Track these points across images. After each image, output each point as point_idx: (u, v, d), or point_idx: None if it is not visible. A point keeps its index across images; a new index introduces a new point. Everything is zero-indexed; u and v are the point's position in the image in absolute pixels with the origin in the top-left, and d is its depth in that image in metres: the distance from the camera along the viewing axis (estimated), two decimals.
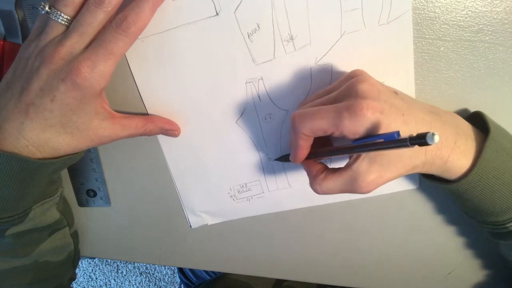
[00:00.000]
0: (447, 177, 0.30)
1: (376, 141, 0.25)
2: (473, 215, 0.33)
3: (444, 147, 0.28)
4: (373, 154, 0.28)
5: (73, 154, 0.31)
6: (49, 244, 0.35)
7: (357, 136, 0.26)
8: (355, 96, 0.26)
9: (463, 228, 0.38)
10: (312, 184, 0.31)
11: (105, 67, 0.27)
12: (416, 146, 0.21)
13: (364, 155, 0.28)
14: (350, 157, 0.30)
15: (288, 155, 0.34)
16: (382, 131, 0.25)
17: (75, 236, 0.40)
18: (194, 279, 0.71)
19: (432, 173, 0.30)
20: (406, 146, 0.22)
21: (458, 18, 0.31)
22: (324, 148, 0.32)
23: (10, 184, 0.28)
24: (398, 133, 0.24)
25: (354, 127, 0.26)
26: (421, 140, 0.21)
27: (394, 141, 0.23)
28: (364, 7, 0.30)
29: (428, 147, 0.28)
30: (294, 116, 0.28)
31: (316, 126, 0.27)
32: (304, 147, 0.30)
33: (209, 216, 0.41)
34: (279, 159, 0.37)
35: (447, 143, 0.28)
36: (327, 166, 0.32)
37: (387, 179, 0.28)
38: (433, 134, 0.20)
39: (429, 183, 0.33)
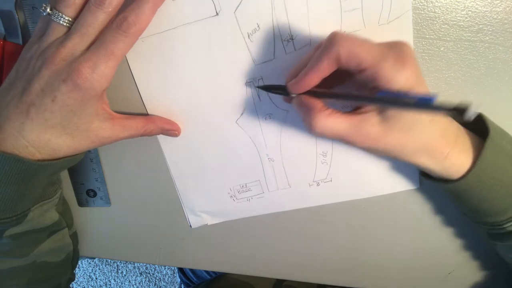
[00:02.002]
0: (446, 176, 0.30)
1: (407, 99, 0.23)
2: (471, 216, 0.33)
3: (446, 143, 0.28)
4: (391, 112, 0.26)
5: (73, 155, 0.31)
6: (48, 245, 0.35)
7: (388, 85, 0.25)
8: (401, 50, 0.25)
9: (463, 228, 0.38)
10: (312, 118, 0.27)
11: (106, 68, 0.27)
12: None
13: (379, 110, 0.26)
14: (359, 107, 0.28)
15: (279, 86, 0.31)
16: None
17: (74, 237, 0.40)
18: (195, 278, 0.71)
19: (431, 170, 0.30)
20: (440, 111, 0.20)
21: (458, 18, 0.31)
22: (342, 91, 0.28)
23: (9, 185, 0.28)
24: (435, 96, 0.22)
25: (394, 72, 0.24)
26: (460, 109, 0.19)
27: (428, 104, 0.22)
28: (364, 7, 0.30)
29: (433, 137, 0.27)
30: (336, 34, 0.25)
31: (357, 52, 0.25)
32: (322, 71, 0.26)
33: (209, 216, 0.41)
34: (264, 88, 0.32)
35: (449, 139, 0.28)
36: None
37: (389, 144, 0.27)
38: (474, 107, 0.19)
39: (428, 181, 0.33)
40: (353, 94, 0.27)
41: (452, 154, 0.28)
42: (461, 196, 0.30)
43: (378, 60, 0.25)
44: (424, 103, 0.22)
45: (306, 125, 0.28)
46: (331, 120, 0.27)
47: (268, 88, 0.32)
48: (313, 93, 0.28)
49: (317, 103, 0.28)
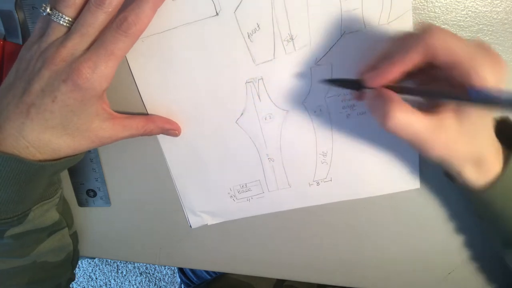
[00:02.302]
0: (474, 179, 0.28)
1: (505, 98, 0.22)
2: (490, 220, 0.32)
3: (495, 154, 0.27)
4: (467, 115, 0.25)
5: (73, 155, 0.31)
6: (48, 244, 0.35)
7: (482, 84, 0.23)
8: (494, 52, 0.24)
9: (463, 228, 0.38)
10: (390, 110, 0.25)
11: (106, 68, 0.27)
12: None
13: (455, 111, 0.25)
14: (431, 107, 0.26)
15: (350, 80, 0.29)
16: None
17: (74, 237, 0.40)
18: (195, 279, 0.71)
19: (467, 179, 0.28)
20: None
21: (458, 18, 0.31)
22: (426, 87, 0.26)
23: (9, 186, 0.28)
24: None
25: (489, 73, 0.23)
26: None
27: None
28: (364, 7, 0.30)
29: (489, 147, 0.27)
30: (431, 25, 0.24)
31: (453, 47, 0.23)
32: (408, 64, 0.25)
33: (209, 216, 0.41)
34: (334, 81, 0.30)
35: (497, 150, 0.28)
36: None
37: (455, 150, 0.26)
38: None
39: (448, 182, 0.31)
40: (440, 91, 0.25)
41: (493, 167, 0.28)
42: (485, 200, 0.29)
43: (475, 57, 0.23)
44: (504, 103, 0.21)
45: (379, 118, 0.25)
46: (409, 116, 0.25)
47: (337, 82, 0.30)
48: (391, 87, 0.26)
49: (395, 96, 0.25)
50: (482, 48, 0.24)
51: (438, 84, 0.26)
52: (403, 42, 0.26)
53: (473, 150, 0.26)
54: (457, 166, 0.28)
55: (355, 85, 0.29)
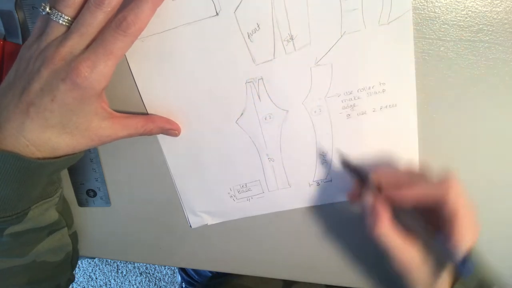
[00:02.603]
0: None
1: (453, 257, 0.28)
2: None
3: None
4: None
5: (73, 154, 0.31)
6: (47, 244, 0.35)
7: (456, 242, 0.29)
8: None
9: None
10: (378, 223, 0.31)
11: (105, 67, 0.27)
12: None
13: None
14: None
15: (360, 168, 0.34)
16: None
17: (73, 237, 0.40)
18: (196, 276, 0.71)
19: None
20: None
21: (458, 18, 0.31)
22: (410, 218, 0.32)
23: (9, 184, 0.28)
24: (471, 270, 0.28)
25: (466, 236, 0.29)
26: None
27: (461, 272, 0.28)
28: (364, 7, 0.30)
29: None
30: (454, 181, 0.29)
31: (461, 209, 0.28)
32: (417, 199, 0.30)
33: (209, 216, 0.41)
34: (345, 163, 0.34)
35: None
36: None
37: (416, 274, 0.32)
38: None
39: None
40: (431, 234, 0.31)
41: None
42: None
43: (463, 234, 0.28)
44: (461, 269, 0.28)
45: (370, 224, 0.31)
46: (390, 233, 0.31)
47: (348, 165, 0.34)
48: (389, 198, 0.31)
49: (386, 212, 0.31)
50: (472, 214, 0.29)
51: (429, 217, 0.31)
52: (428, 184, 0.30)
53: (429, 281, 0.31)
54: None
55: (363, 175, 0.33)
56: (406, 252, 0.31)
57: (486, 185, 0.37)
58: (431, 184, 0.30)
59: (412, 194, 0.30)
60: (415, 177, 0.32)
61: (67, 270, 0.40)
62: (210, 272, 0.67)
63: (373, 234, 0.31)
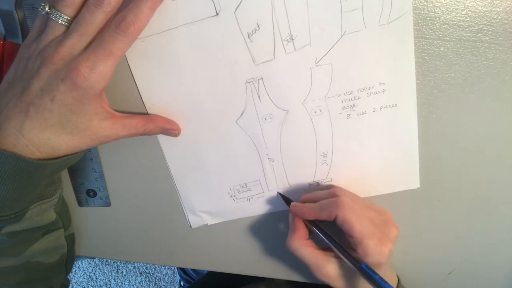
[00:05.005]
0: None
1: (372, 278, 0.31)
2: None
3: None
4: (351, 270, 0.33)
5: (72, 154, 0.31)
6: (42, 244, 0.35)
7: (364, 257, 0.32)
8: (388, 232, 0.34)
9: (463, 228, 0.38)
10: (291, 238, 0.35)
11: (105, 67, 0.27)
12: None
13: (340, 261, 0.34)
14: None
15: (289, 199, 0.38)
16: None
17: (70, 239, 0.39)
18: (194, 275, 0.71)
19: None
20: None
21: (458, 18, 0.31)
22: (328, 237, 0.34)
23: (8, 183, 0.28)
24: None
25: (373, 250, 0.31)
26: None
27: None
28: (364, 7, 0.30)
29: None
30: (341, 199, 0.33)
31: (352, 224, 0.31)
32: (319, 217, 0.34)
33: (209, 216, 0.41)
34: (283, 198, 0.38)
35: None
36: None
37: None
38: None
39: None
40: (337, 246, 0.33)
41: None
42: None
43: (365, 237, 0.31)
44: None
45: (288, 237, 0.36)
46: (303, 248, 0.34)
47: (285, 198, 0.38)
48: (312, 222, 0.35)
49: (302, 229, 0.36)
50: (381, 229, 0.33)
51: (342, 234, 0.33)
52: (324, 202, 0.34)
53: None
54: None
55: (288, 203, 0.37)
56: (321, 265, 0.34)
57: (486, 185, 0.37)
58: (325, 202, 0.34)
59: (309, 212, 0.34)
60: (321, 197, 0.36)
61: (61, 273, 0.39)
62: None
63: (288, 246, 0.35)
